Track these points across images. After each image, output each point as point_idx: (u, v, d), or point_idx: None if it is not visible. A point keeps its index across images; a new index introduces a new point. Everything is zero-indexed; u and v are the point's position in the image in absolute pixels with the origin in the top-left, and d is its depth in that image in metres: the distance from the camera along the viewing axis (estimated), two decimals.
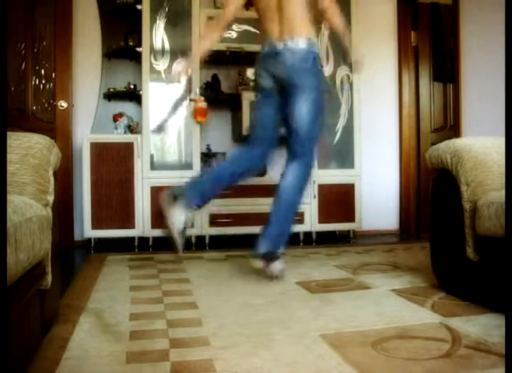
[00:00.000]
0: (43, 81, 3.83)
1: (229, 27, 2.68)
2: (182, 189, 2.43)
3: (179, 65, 2.84)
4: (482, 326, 1.65)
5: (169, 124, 3.53)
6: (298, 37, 2.42)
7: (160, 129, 3.47)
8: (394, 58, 4.53)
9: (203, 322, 1.76)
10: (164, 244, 3.76)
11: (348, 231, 4.05)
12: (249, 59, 3.89)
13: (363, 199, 4.05)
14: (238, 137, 3.99)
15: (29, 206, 1.35)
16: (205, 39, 2.60)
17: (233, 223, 3.71)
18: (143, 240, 3.68)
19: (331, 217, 3.90)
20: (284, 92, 2.49)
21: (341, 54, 2.51)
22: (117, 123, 3.83)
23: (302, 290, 2.24)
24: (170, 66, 3.71)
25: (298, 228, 3.82)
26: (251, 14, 3.76)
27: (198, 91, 3.74)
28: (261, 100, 2.59)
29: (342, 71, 4.01)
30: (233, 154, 2.74)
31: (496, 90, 3.38)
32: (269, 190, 3.42)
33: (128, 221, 3.62)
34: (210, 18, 3.75)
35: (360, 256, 3.14)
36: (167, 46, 3.72)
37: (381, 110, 4.48)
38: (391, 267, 2.73)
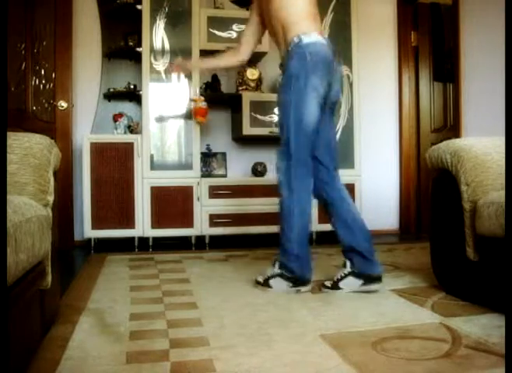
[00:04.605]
0: (43, 81, 3.82)
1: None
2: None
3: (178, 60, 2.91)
4: (482, 326, 1.65)
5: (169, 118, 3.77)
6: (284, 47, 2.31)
7: (161, 120, 3.74)
8: (394, 58, 4.53)
9: (203, 322, 1.76)
10: (164, 244, 3.79)
11: None
12: (249, 59, 3.91)
13: (363, 199, 4.05)
14: (238, 137, 3.99)
15: (29, 206, 1.35)
16: (216, 60, 2.67)
17: (233, 223, 3.71)
18: (143, 240, 3.68)
19: None
20: None
21: None
22: (117, 123, 3.82)
23: None
24: (170, 66, 3.71)
25: None
26: None
27: (198, 91, 3.74)
28: None
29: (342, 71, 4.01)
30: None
31: (496, 90, 3.38)
32: (269, 191, 3.44)
33: (127, 221, 3.62)
34: (210, 18, 3.76)
35: None
36: (167, 46, 3.72)
37: (381, 110, 4.48)
38: (390, 267, 2.73)
